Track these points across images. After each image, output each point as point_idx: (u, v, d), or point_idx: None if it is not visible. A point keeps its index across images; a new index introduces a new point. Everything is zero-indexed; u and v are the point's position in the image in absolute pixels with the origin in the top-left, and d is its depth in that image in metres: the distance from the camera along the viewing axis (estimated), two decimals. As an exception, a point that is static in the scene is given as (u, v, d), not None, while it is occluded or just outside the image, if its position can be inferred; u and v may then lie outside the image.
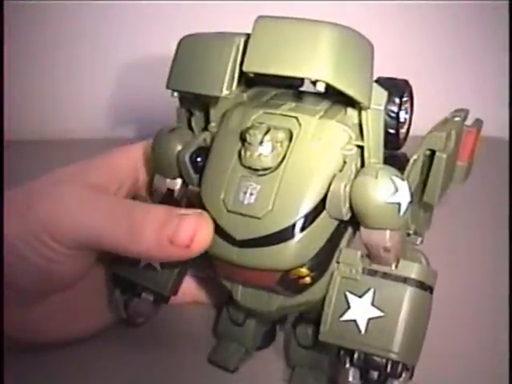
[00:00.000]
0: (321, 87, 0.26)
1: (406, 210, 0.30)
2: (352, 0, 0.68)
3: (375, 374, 0.31)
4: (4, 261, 0.32)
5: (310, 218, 0.30)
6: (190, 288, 0.42)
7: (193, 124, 0.35)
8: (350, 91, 0.28)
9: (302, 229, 0.30)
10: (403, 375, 0.31)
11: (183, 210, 0.32)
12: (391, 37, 0.62)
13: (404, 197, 0.29)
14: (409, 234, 0.36)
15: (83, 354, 0.40)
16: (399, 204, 0.29)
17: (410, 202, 0.30)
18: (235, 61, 0.29)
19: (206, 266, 0.33)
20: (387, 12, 0.70)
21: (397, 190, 0.29)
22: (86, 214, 0.32)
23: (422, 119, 0.35)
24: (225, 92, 0.29)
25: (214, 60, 0.29)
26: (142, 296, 0.37)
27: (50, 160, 0.41)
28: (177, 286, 0.37)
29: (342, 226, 0.32)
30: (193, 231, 0.30)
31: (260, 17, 0.28)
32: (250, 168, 0.30)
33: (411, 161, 0.33)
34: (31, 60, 0.69)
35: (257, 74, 0.28)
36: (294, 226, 0.30)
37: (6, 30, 0.62)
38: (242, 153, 0.30)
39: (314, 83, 0.27)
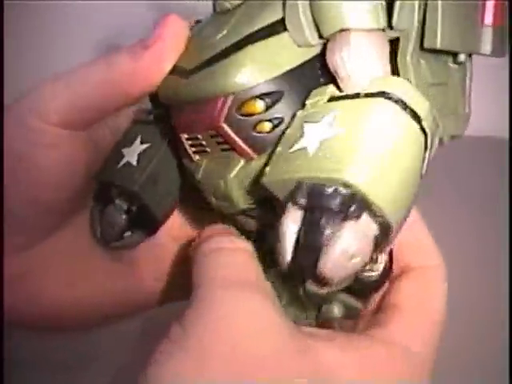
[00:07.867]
0: None
1: None
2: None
3: (318, 214, 0.21)
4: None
5: (267, 32, 0.25)
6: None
7: None
8: None
9: (255, 41, 0.25)
10: (363, 218, 0.21)
11: None
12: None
13: None
14: None
15: (82, 348, 0.41)
16: None
17: None
18: None
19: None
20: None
21: None
22: (65, 81, 0.33)
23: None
24: None
25: None
26: (115, 202, 0.33)
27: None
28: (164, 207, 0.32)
29: (316, 62, 0.25)
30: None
31: None
32: None
33: None
34: (32, 60, 0.69)
35: None
36: (248, 36, 0.25)
37: (6, 30, 0.62)
38: None
39: None
